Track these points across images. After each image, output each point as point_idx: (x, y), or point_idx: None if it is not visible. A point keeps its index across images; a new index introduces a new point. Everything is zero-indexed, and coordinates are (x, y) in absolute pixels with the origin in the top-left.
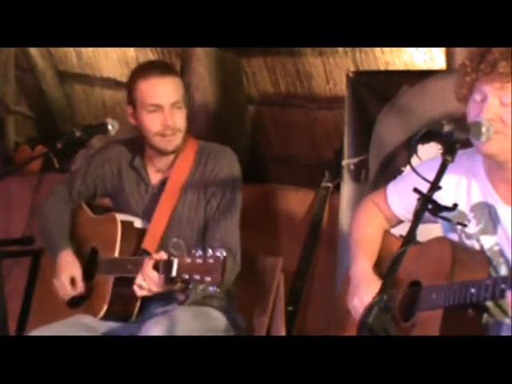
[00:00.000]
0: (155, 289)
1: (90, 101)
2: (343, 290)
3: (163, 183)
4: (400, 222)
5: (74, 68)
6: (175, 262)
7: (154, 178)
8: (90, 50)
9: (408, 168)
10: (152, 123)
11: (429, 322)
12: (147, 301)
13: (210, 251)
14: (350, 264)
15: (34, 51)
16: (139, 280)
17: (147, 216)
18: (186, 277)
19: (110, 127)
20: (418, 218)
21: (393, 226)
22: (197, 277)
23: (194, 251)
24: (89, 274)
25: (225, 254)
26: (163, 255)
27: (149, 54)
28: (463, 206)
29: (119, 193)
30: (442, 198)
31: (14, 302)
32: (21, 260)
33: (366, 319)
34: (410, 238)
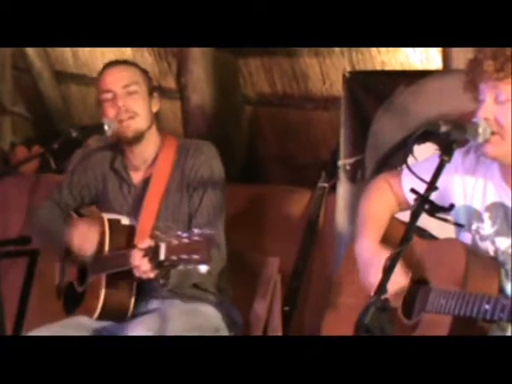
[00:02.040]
0: (148, 276)
1: (87, 101)
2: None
3: (145, 182)
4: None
5: (71, 68)
6: (162, 246)
7: (136, 177)
8: (87, 50)
9: (404, 167)
10: (108, 111)
11: (435, 326)
12: (143, 300)
13: (195, 230)
14: (355, 239)
15: (30, 51)
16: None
17: (134, 215)
18: (174, 258)
19: (106, 127)
20: (414, 219)
21: (401, 210)
22: (184, 256)
23: (180, 233)
24: (82, 277)
25: (210, 231)
26: (150, 242)
27: (145, 54)
28: (478, 206)
29: (104, 197)
30: (458, 198)
31: (11, 303)
32: (17, 260)
33: (362, 319)
34: (406, 238)
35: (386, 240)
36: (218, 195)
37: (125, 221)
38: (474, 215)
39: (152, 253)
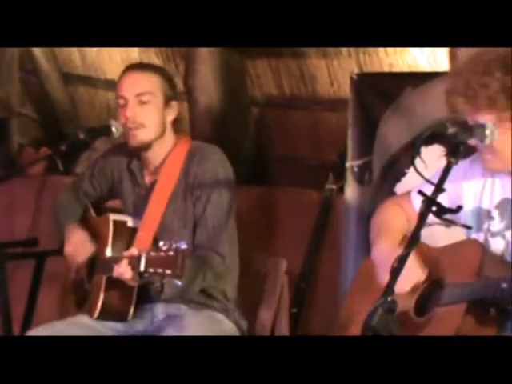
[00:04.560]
0: (132, 284)
1: (94, 103)
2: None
3: (153, 184)
4: None
5: (78, 70)
6: (143, 257)
7: (149, 179)
8: (94, 51)
9: (412, 169)
10: (120, 116)
11: (448, 316)
12: (147, 303)
13: (171, 243)
14: (371, 250)
15: (38, 53)
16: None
17: (140, 216)
18: (151, 271)
19: (113, 129)
20: (422, 220)
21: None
22: (159, 270)
23: (161, 244)
24: (90, 275)
25: (185, 246)
26: (134, 251)
27: (152, 55)
28: (488, 205)
29: (119, 195)
30: (468, 202)
31: (18, 304)
32: (25, 262)
33: (369, 321)
34: (414, 239)
35: None
36: (223, 204)
37: (130, 223)
38: (484, 215)
39: (135, 262)
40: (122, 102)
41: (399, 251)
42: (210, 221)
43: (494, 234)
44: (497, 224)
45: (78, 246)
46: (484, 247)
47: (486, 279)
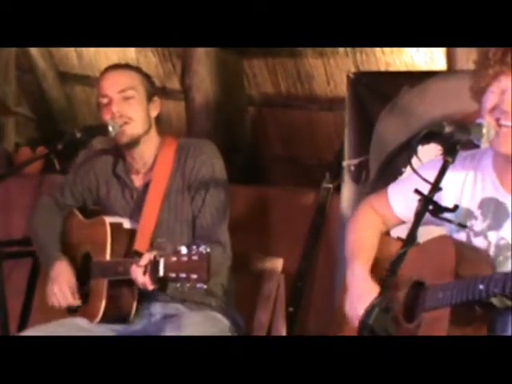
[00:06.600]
0: (148, 288)
1: (91, 102)
2: (343, 291)
3: (146, 185)
4: (399, 223)
5: (75, 69)
6: (161, 261)
7: (138, 180)
8: (91, 51)
9: (408, 169)
10: (105, 115)
11: (436, 322)
12: (145, 302)
13: (194, 248)
14: (346, 268)
15: (34, 52)
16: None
17: (135, 218)
18: (173, 275)
19: (110, 128)
20: (418, 220)
21: (389, 228)
22: (183, 275)
23: (179, 249)
24: (83, 279)
25: (208, 249)
26: (150, 257)
27: (149, 54)
28: (469, 204)
29: (107, 201)
30: (447, 196)
31: (15, 303)
32: (22, 261)
33: (366, 320)
34: (410, 239)
35: (378, 257)
36: (220, 194)
37: (127, 224)
38: (467, 214)
39: (151, 267)
40: (105, 100)
41: (373, 288)
42: (209, 211)
43: (476, 234)
44: (479, 224)
45: (67, 293)
46: (456, 242)
47: (463, 280)
